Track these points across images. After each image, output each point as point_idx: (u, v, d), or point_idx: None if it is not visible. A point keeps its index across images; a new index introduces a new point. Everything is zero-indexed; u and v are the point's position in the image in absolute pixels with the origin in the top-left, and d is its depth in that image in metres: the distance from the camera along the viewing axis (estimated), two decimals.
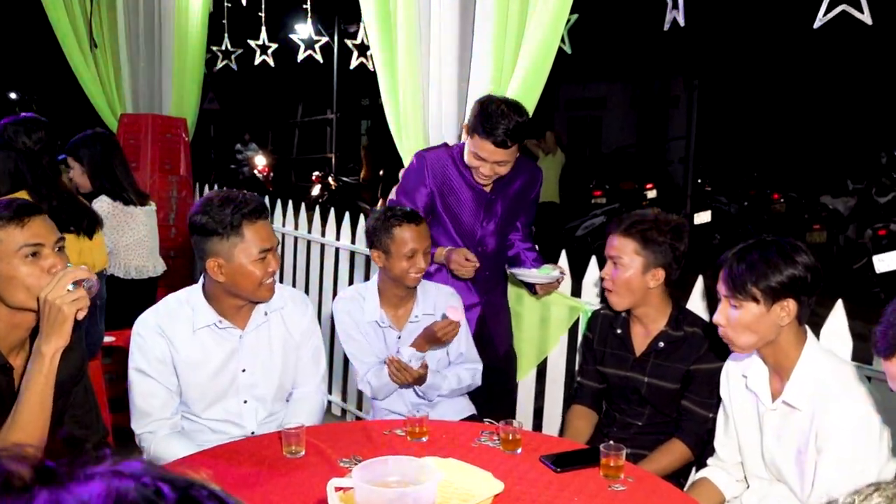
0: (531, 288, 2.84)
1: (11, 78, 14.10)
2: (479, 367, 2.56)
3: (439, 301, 2.49)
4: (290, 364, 2.18)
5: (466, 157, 2.62)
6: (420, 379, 2.37)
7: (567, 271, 2.88)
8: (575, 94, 17.45)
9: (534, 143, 9.03)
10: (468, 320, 2.74)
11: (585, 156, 15.15)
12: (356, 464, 1.76)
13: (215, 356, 2.07)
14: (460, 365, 2.53)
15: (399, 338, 2.46)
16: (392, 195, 2.83)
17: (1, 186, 2.77)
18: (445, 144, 2.82)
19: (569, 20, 2.65)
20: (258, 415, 2.14)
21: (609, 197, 9.82)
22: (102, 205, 3.27)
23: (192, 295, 2.09)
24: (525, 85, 2.75)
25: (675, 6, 2.35)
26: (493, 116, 2.48)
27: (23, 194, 2.70)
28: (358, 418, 3.72)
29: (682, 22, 2.35)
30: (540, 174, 2.90)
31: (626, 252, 2.22)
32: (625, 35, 11.22)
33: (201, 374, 2.06)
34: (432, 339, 2.35)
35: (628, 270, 2.22)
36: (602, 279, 2.33)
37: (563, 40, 2.70)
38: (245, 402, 2.12)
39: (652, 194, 9.73)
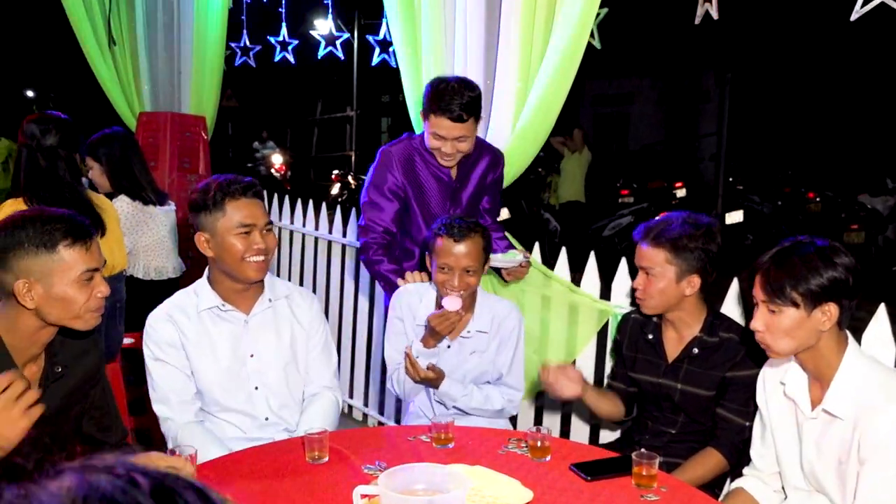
0: (499, 275, 2.83)
1: (28, 75, 14.25)
2: (518, 395, 2.44)
3: (497, 316, 2.39)
4: (300, 351, 2.18)
5: (427, 141, 2.64)
6: (429, 381, 2.31)
7: (596, 275, 2.81)
8: (601, 89, 17.27)
9: (559, 141, 8.93)
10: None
11: (612, 153, 14.99)
12: (381, 470, 1.73)
13: (221, 341, 2.10)
14: (496, 387, 2.42)
15: (448, 347, 2.39)
16: (363, 195, 2.79)
17: (16, 180, 2.78)
18: (409, 135, 2.82)
19: (598, 14, 2.58)
20: (270, 403, 2.13)
21: (637, 196, 9.69)
22: (122, 205, 3.25)
23: (198, 284, 2.16)
24: (552, 81, 2.69)
25: None
26: (445, 94, 2.52)
27: (18, 203, 2.68)
28: (380, 423, 3.68)
29: (715, 15, 2.28)
30: (502, 158, 2.90)
31: (658, 262, 2.15)
32: (654, 29, 11.05)
33: (210, 359, 2.09)
34: (431, 330, 2.29)
35: (661, 281, 2.15)
36: (634, 290, 2.24)
37: (592, 35, 2.63)
38: (256, 388, 2.12)
39: (681, 193, 9.58)
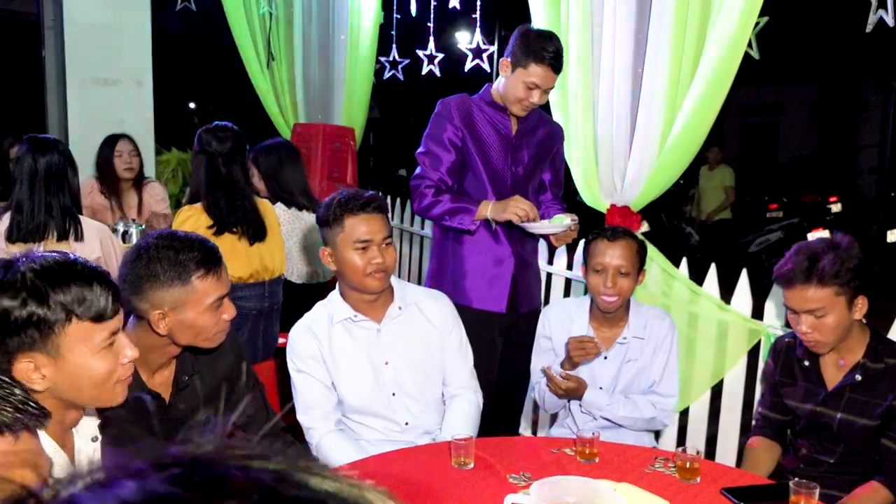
0: (548, 241, 2.84)
1: (190, 88, 15.33)
2: (671, 402, 2.38)
3: (651, 324, 2.37)
4: (435, 355, 2.21)
5: (514, 91, 2.62)
6: (572, 392, 2.30)
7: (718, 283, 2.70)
8: (749, 98, 16.42)
9: (716, 154, 8.60)
10: (502, 275, 2.69)
11: (760, 166, 14.24)
12: (525, 480, 1.75)
13: (356, 350, 2.15)
14: (646, 396, 2.38)
15: (605, 357, 2.38)
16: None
17: (194, 188, 3.00)
18: (465, 94, 2.82)
19: (757, 23, 2.48)
20: (409, 407, 2.18)
21: (787, 211, 9.14)
22: (279, 211, 3.40)
23: (332, 295, 2.22)
24: (705, 94, 2.59)
25: (883, 5, 2.14)
26: (545, 43, 2.55)
27: (198, 210, 2.86)
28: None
29: (891, 22, 2.14)
30: (562, 132, 2.92)
31: (827, 300, 1.96)
32: (810, 35, 10.40)
33: (348, 369, 2.15)
34: (568, 355, 2.28)
35: (835, 317, 1.98)
36: (803, 333, 2.03)
37: (749, 45, 2.53)
38: (393, 394, 2.17)
39: (836, 208, 8.94)
